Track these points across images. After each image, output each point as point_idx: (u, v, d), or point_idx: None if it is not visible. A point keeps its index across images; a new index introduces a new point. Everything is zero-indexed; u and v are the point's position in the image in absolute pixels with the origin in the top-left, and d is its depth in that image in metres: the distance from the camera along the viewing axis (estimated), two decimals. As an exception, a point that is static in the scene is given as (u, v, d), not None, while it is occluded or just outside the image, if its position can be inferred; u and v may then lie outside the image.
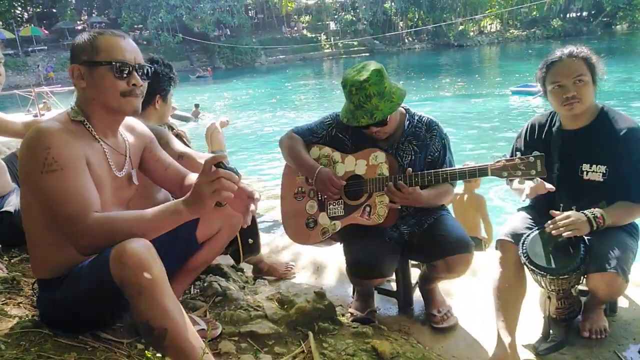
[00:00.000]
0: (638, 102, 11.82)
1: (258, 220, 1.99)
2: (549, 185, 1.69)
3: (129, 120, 1.45)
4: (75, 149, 1.19)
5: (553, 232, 1.62)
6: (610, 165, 1.68)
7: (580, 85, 1.66)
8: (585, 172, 1.72)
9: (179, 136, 2.33)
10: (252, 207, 1.29)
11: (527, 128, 1.91)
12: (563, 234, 1.60)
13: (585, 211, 1.63)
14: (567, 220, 1.61)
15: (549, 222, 1.65)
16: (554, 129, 1.82)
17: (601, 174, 1.69)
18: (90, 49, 1.24)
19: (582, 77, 1.66)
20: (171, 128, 2.29)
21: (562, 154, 1.78)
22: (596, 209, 1.64)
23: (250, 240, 1.93)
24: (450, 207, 3.74)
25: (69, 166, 1.16)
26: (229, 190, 1.11)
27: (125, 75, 1.26)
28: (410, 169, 1.79)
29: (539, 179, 1.67)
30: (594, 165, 1.70)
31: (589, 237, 1.66)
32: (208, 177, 1.10)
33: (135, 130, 1.46)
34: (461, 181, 2.00)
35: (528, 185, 1.74)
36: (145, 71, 1.31)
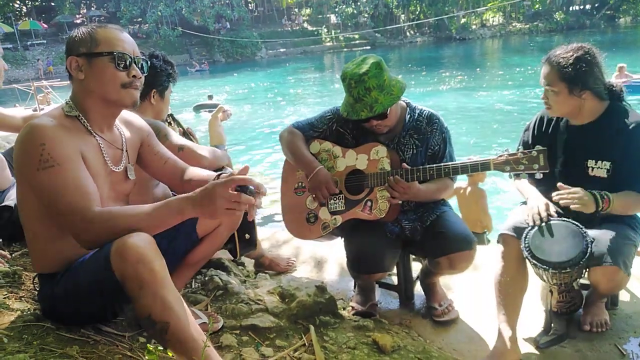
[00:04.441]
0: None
1: (258, 214, 1.99)
2: (553, 211, 1.68)
3: (126, 114, 1.45)
4: (70, 144, 1.18)
5: (561, 202, 1.60)
6: (615, 160, 1.67)
7: (549, 94, 1.69)
8: (590, 168, 1.71)
9: (189, 134, 2.32)
10: (258, 201, 1.28)
11: (535, 121, 1.90)
12: (571, 207, 1.59)
13: (593, 191, 1.62)
14: (575, 194, 1.59)
15: (555, 193, 1.63)
16: (561, 123, 1.81)
17: (606, 170, 1.68)
18: (90, 41, 1.24)
19: (550, 87, 1.67)
20: (178, 123, 2.28)
21: (568, 149, 1.77)
22: (604, 192, 1.62)
23: (247, 236, 1.93)
24: (454, 199, 3.75)
25: (65, 161, 1.15)
26: (241, 211, 1.13)
27: (125, 66, 1.26)
28: (405, 163, 1.79)
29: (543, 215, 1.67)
30: (599, 162, 1.69)
31: (591, 231, 1.66)
32: (228, 196, 1.10)
33: (132, 124, 1.46)
34: (465, 175, 1.99)
35: (530, 207, 1.73)
36: (141, 65, 1.31)
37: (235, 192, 1.11)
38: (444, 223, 1.88)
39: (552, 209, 1.69)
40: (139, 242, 1.09)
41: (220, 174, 1.39)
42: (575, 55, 1.63)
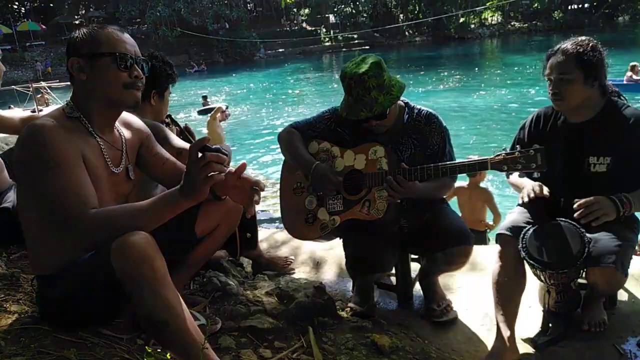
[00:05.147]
0: None
1: (256, 214, 1.98)
2: (545, 191, 1.67)
3: (126, 115, 1.45)
4: (71, 146, 1.18)
5: (582, 220, 1.58)
6: (616, 156, 1.66)
7: (562, 83, 1.66)
8: (592, 165, 1.70)
9: (187, 130, 2.32)
10: (256, 197, 1.28)
11: (532, 119, 1.89)
12: (592, 223, 1.57)
13: (611, 196, 1.60)
14: (595, 205, 1.56)
15: (577, 205, 1.59)
16: (559, 121, 1.80)
17: (606, 166, 1.68)
18: (91, 42, 1.24)
19: (564, 76, 1.65)
20: (176, 124, 2.28)
21: (567, 147, 1.76)
22: (622, 194, 1.61)
23: (248, 235, 1.92)
24: (455, 200, 3.76)
25: (65, 163, 1.15)
26: (220, 171, 1.10)
27: (127, 66, 1.26)
28: (403, 163, 1.79)
29: (537, 189, 1.66)
30: (601, 158, 1.69)
31: (588, 231, 1.66)
32: (197, 164, 1.09)
33: (131, 125, 1.46)
34: (465, 175, 2.00)
35: (525, 188, 1.72)
36: (142, 65, 1.31)
37: (200, 156, 1.09)
38: (440, 219, 1.89)
39: (546, 190, 1.68)
40: (139, 240, 1.09)
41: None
42: (591, 44, 1.65)
